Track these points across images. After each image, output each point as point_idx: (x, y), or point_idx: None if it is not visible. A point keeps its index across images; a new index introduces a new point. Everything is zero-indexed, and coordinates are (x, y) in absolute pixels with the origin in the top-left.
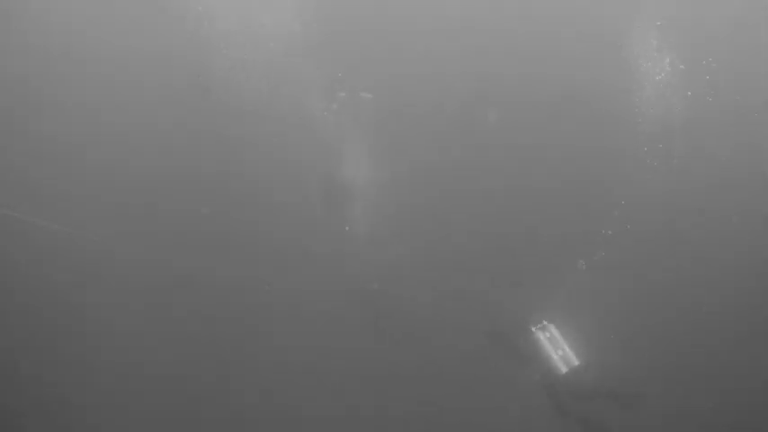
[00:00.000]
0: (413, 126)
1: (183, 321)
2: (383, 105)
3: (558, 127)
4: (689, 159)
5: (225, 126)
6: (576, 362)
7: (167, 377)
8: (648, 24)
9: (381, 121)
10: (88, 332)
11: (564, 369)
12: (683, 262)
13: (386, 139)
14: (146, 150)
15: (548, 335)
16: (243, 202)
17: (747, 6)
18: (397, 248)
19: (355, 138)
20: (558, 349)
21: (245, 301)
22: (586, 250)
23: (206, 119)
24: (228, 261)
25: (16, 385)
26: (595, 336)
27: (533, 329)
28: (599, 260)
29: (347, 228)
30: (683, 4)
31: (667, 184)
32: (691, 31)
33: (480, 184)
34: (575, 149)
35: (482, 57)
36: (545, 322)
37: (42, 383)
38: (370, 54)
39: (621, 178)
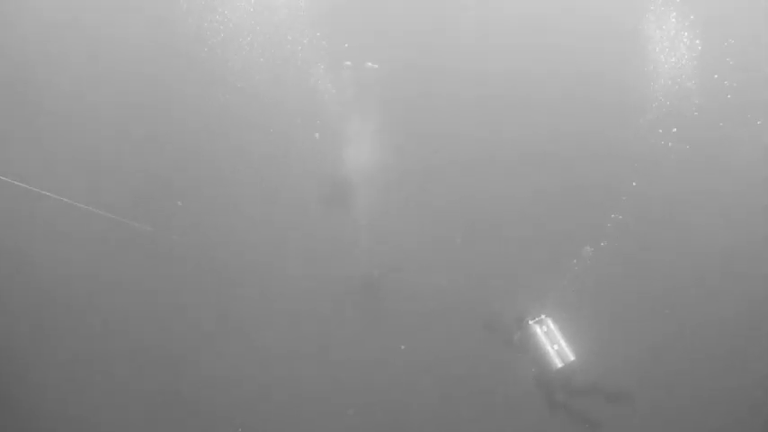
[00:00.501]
0: (419, 103)
1: (182, 310)
2: (389, 76)
3: (566, 109)
4: (704, 145)
5: (226, 98)
6: (571, 357)
7: (169, 368)
8: (666, 3)
9: (387, 94)
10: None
11: (559, 363)
12: (685, 258)
13: (391, 116)
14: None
15: (545, 329)
16: (244, 181)
17: None
18: (397, 237)
19: (360, 113)
20: (554, 344)
21: (245, 289)
22: (594, 236)
23: (209, 89)
24: (228, 246)
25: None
26: (592, 331)
27: (531, 323)
28: (603, 250)
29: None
30: None
31: (681, 170)
32: (710, 10)
33: (484, 171)
34: (584, 134)
35: (492, 27)
36: (543, 316)
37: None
38: (377, 24)
39: (633, 163)
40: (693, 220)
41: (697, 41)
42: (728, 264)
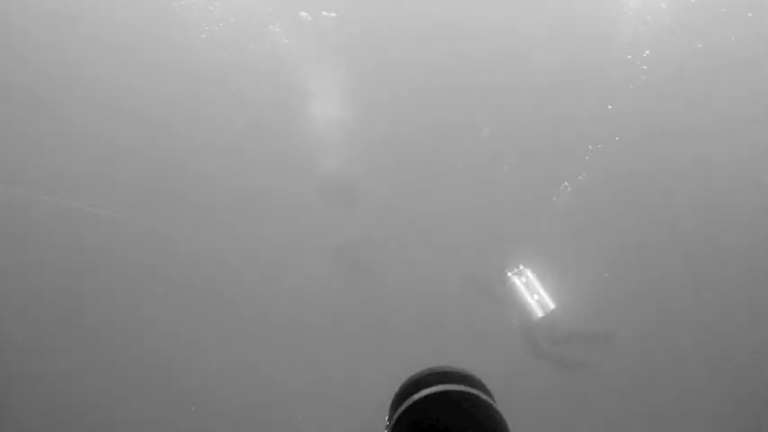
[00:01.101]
0: (382, 49)
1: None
2: (348, 25)
3: (542, 33)
4: (678, 66)
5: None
6: (551, 305)
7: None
8: None
9: (347, 44)
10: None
11: (540, 313)
12: (663, 197)
13: (355, 65)
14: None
15: (524, 279)
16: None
17: None
18: (372, 191)
19: (321, 65)
20: (534, 294)
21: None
22: (571, 173)
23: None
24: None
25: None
26: (571, 280)
27: (510, 274)
28: (580, 189)
29: None
30: None
31: (655, 93)
32: None
33: (456, 110)
34: (556, 59)
35: None
36: (521, 267)
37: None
38: None
39: (607, 87)
40: (671, 155)
41: None
42: (708, 204)
